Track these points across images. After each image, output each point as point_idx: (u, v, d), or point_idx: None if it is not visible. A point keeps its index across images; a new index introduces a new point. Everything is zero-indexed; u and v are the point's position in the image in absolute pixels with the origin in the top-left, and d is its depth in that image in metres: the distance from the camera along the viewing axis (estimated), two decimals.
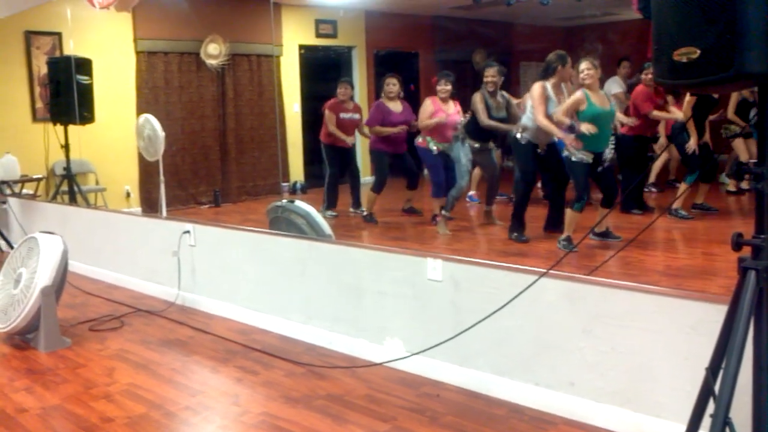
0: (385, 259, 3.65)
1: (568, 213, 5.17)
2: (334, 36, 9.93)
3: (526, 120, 5.54)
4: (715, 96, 5.88)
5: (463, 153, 6.11)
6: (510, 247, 5.42)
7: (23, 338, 4.18)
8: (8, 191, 7.15)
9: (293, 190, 9.20)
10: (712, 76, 1.75)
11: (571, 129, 5.04)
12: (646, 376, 2.69)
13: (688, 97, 5.97)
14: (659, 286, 2.73)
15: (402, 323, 3.57)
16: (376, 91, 7.15)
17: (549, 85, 5.34)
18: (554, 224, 5.60)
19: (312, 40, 9.66)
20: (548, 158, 5.51)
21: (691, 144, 5.90)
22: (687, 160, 6.05)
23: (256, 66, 9.22)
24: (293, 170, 9.39)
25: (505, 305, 3.02)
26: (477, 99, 6.08)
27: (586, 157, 5.03)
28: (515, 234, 5.56)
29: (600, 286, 2.83)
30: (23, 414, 3.16)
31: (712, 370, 1.89)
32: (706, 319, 2.48)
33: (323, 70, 9.99)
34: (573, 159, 5.06)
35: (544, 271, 2.92)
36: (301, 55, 9.49)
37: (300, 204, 4.70)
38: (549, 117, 5.25)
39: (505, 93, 6.21)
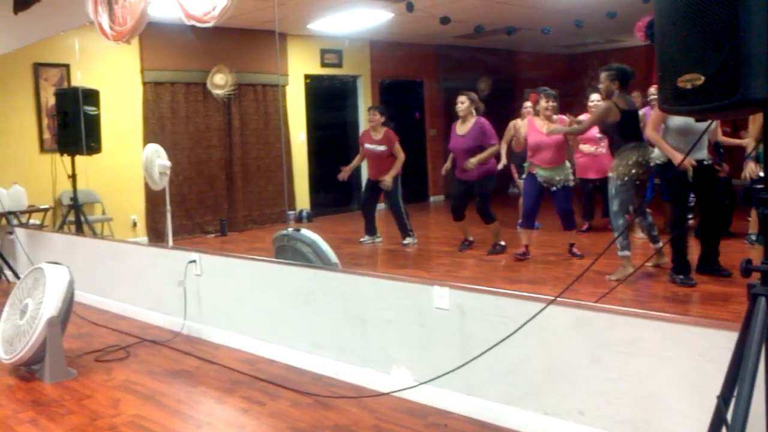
0: (392, 287, 3.64)
1: None
2: (339, 65, 10.03)
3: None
4: None
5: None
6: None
7: (29, 369, 4.17)
8: (15, 222, 7.18)
9: (299, 219, 9.21)
10: (716, 102, 1.75)
11: None
12: (656, 404, 2.66)
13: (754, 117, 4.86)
14: (668, 313, 2.70)
15: (409, 352, 3.54)
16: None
17: None
18: (709, 262, 4.84)
19: (317, 70, 9.75)
20: (698, 179, 4.62)
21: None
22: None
23: (262, 95, 9.29)
24: (299, 199, 9.42)
25: (512, 334, 2.99)
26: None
27: None
28: (681, 277, 4.72)
29: (608, 314, 2.81)
30: None
31: (724, 398, 1.87)
32: (716, 346, 2.45)
33: (329, 100, 10.08)
34: None
35: (551, 299, 2.90)
36: (306, 84, 9.58)
37: (306, 232, 4.70)
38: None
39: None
